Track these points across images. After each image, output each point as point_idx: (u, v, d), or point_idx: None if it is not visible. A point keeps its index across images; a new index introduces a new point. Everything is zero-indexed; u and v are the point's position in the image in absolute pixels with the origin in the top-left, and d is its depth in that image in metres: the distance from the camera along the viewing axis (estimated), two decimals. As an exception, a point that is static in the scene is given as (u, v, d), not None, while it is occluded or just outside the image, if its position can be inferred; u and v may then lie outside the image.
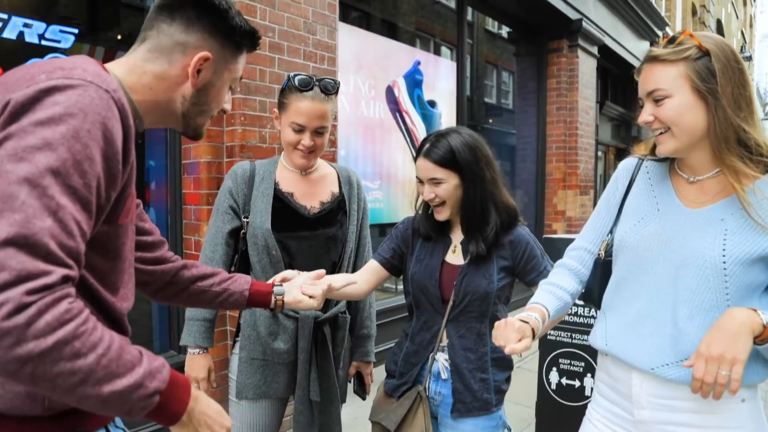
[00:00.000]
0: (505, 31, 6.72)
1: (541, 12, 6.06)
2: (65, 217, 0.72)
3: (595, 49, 6.93)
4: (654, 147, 1.31)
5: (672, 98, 1.19)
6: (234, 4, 1.03)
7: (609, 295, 1.39)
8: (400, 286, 4.79)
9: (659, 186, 1.34)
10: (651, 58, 1.23)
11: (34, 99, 0.75)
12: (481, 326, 1.61)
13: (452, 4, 5.47)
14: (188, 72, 0.99)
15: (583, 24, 6.39)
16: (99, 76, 0.81)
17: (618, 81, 9.33)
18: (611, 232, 1.41)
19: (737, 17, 25.98)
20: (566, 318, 2.71)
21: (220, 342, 2.88)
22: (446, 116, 5.27)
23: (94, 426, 0.92)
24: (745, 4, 29.96)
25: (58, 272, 0.70)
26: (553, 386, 2.75)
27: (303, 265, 1.71)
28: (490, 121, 6.73)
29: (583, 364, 2.67)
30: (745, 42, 28.80)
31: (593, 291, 1.46)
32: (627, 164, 1.45)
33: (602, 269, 1.42)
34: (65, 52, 2.54)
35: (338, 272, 1.80)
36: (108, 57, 2.78)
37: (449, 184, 1.58)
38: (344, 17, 4.03)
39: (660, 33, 9.14)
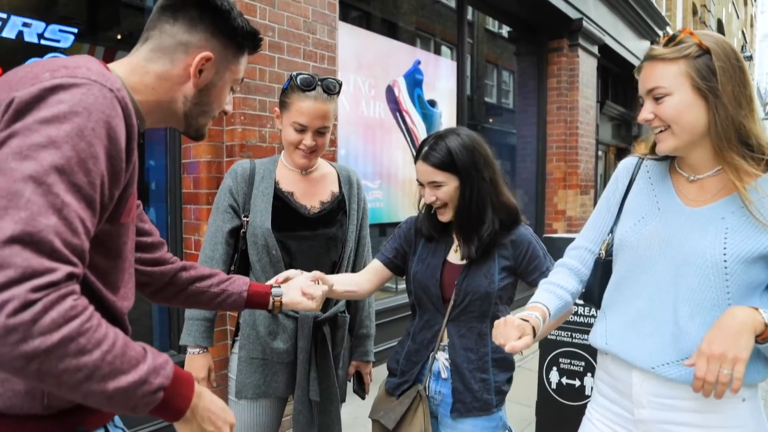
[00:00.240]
0: (505, 30, 6.71)
1: (541, 11, 6.06)
2: (70, 214, 0.72)
3: (595, 49, 6.93)
4: (654, 146, 1.31)
5: (672, 96, 1.19)
6: (236, 6, 1.04)
7: (609, 294, 1.39)
8: (401, 286, 4.79)
9: (659, 185, 1.33)
10: (651, 57, 1.23)
11: (39, 97, 0.75)
12: (482, 326, 1.61)
13: (452, 4, 5.46)
14: (190, 72, 0.99)
15: (584, 23, 6.38)
16: (103, 75, 0.82)
17: (618, 80, 9.33)
18: (611, 231, 1.41)
19: (738, 17, 25.97)
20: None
21: (220, 341, 2.88)
22: (446, 116, 5.26)
23: (94, 425, 0.92)
24: (745, 3, 29.95)
25: (63, 269, 0.70)
26: (554, 386, 2.75)
27: (303, 265, 1.71)
28: (491, 120, 6.73)
29: (583, 363, 2.66)
30: (746, 42, 28.78)
31: (593, 290, 1.46)
32: (627, 163, 1.45)
33: (603, 269, 1.42)
34: (65, 51, 2.54)
35: (338, 272, 1.79)
36: (108, 57, 2.78)
37: (449, 186, 1.58)
38: (344, 16, 4.03)
39: (660, 32, 9.13)
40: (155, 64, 0.98)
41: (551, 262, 1.63)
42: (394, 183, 4.72)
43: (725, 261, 1.15)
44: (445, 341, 1.64)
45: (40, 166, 0.71)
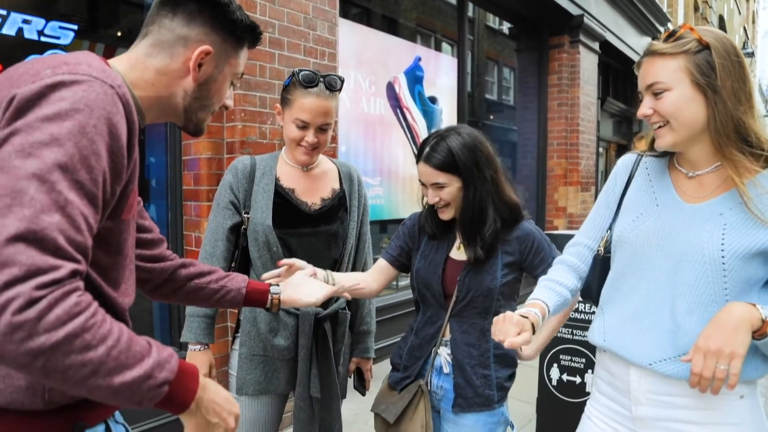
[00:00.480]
0: (506, 27, 6.70)
1: (542, 7, 6.05)
2: (73, 212, 0.73)
3: (596, 45, 6.91)
4: (653, 142, 1.31)
5: (671, 91, 1.19)
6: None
7: (607, 290, 1.39)
8: (401, 283, 4.79)
9: (658, 181, 1.33)
10: (651, 52, 1.23)
11: (40, 94, 0.75)
12: (484, 322, 1.61)
13: (453, 0, 5.45)
14: (189, 66, 0.99)
15: (585, 20, 6.36)
16: (104, 71, 0.82)
17: (619, 77, 9.31)
18: (610, 228, 1.41)
19: (740, 13, 25.89)
20: (567, 314, 2.71)
21: (221, 338, 2.89)
22: (447, 112, 5.26)
23: (94, 420, 0.92)
24: (747, 0, 29.86)
25: (67, 267, 0.71)
26: (554, 382, 2.75)
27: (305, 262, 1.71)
28: (491, 117, 6.72)
29: (584, 360, 2.67)
30: (748, 38, 28.71)
31: (592, 287, 1.46)
32: (626, 160, 1.45)
33: (601, 265, 1.42)
34: (65, 48, 2.53)
35: (339, 269, 1.79)
36: (108, 54, 2.77)
37: (452, 187, 1.58)
38: (344, 13, 4.02)
39: (662, 29, 9.10)
40: (154, 59, 0.98)
41: (557, 253, 1.62)
42: (395, 180, 4.72)
43: (723, 257, 1.15)
44: (448, 336, 1.65)
45: (44, 163, 0.72)
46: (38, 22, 2.46)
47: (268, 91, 2.99)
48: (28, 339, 0.67)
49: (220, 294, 1.32)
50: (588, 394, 2.63)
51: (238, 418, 0.97)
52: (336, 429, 1.81)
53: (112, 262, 0.92)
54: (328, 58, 3.34)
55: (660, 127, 1.23)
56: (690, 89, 1.17)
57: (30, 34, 2.44)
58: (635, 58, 8.18)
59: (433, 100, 5.08)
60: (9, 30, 2.37)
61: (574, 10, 6.24)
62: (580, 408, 1.48)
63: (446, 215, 1.63)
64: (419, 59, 4.88)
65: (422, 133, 4.94)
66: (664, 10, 9.76)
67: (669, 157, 1.35)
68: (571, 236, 1.57)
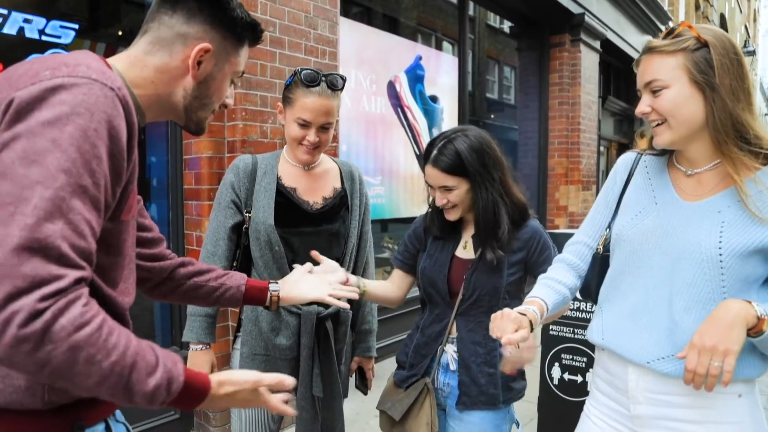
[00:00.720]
0: (506, 25, 6.69)
1: (543, 6, 6.04)
2: (76, 218, 0.73)
3: (597, 44, 6.90)
4: (653, 140, 1.31)
5: (669, 89, 1.18)
6: None
7: (605, 288, 1.39)
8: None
9: (657, 179, 1.33)
10: (649, 49, 1.23)
11: (40, 98, 0.75)
12: (489, 321, 1.61)
13: (454, -1, 5.45)
14: (188, 64, 0.99)
15: (586, 18, 6.35)
16: (103, 73, 0.82)
17: (620, 76, 9.30)
18: (609, 226, 1.41)
19: (741, 11, 25.85)
20: (568, 313, 2.71)
21: (222, 337, 2.89)
22: (448, 111, 5.25)
23: (94, 419, 0.92)
24: (748, -2, 29.80)
25: (71, 275, 0.71)
26: (555, 381, 2.75)
27: (305, 261, 1.71)
28: (492, 116, 6.71)
29: (585, 359, 2.66)
30: (749, 36, 28.67)
31: (591, 286, 1.46)
32: (626, 158, 1.45)
33: (600, 264, 1.42)
34: (65, 47, 2.53)
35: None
36: (109, 53, 2.77)
37: (460, 189, 1.58)
38: (345, 12, 4.02)
39: (663, 27, 9.10)
40: (154, 56, 0.98)
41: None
42: (396, 179, 4.72)
43: (720, 255, 1.15)
44: (454, 334, 1.66)
45: (47, 170, 0.72)
46: (39, 22, 2.46)
47: (269, 90, 2.99)
48: (34, 350, 0.68)
49: (219, 292, 1.32)
50: (589, 393, 2.63)
51: (266, 380, 0.99)
52: (338, 428, 1.81)
53: (112, 263, 0.92)
54: (329, 57, 3.34)
55: (658, 125, 1.23)
56: (688, 87, 1.17)
57: (31, 33, 2.44)
58: (636, 56, 8.17)
59: (434, 99, 5.07)
60: (10, 29, 2.37)
61: (575, 9, 6.23)
62: (582, 407, 1.48)
63: (453, 216, 1.63)
64: (420, 58, 4.88)
65: (423, 132, 4.94)
66: (665, 8, 9.74)
67: (668, 155, 1.35)
68: (571, 235, 1.57)
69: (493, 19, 6.53)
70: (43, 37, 2.48)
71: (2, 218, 0.69)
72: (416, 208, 4.82)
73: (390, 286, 1.80)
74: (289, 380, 1.01)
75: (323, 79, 1.64)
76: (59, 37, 2.53)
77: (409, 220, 4.79)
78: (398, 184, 4.74)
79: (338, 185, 1.83)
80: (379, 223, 4.72)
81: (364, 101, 4.35)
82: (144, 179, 3.10)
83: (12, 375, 0.81)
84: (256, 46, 1.13)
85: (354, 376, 1.98)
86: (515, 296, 1.66)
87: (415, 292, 1.78)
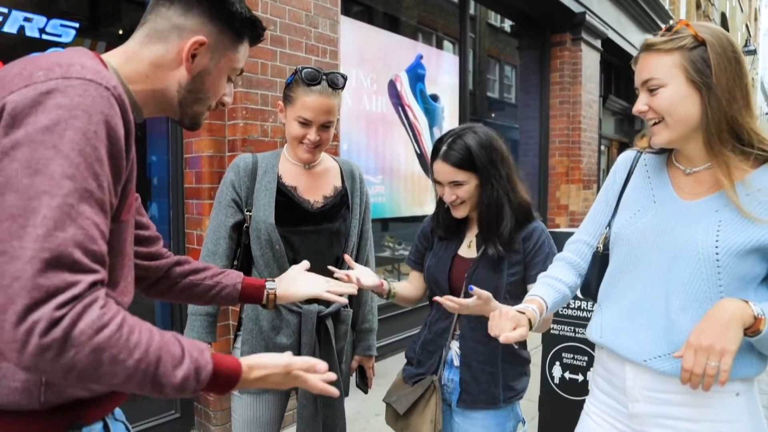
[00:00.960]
0: (507, 24, 6.69)
1: (544, 5, 6.03)
2: (85, 222, 0.74)
3: (598, 43, 6.89)
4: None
5: (666, 88, 1.18)
6: None
7: (605, 287, 1.39)
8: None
9: (656, 178, 1.33)
10: (647, 47, 1.22)
11: (36, 102, 0.75)
12: None
13: (455, -2, 5.44)
14: (183, 56, 0.97)
15: (587, 17, 6.35)
16: (98, 72, 0.81)
17: (621, 75, 9.29)
18: (609, 225, 1.41)
19: (742, 10, 25.82)
20: (569, 312, 2.71)
21: (222, 337, 2.89)
22: (448, 110, 5.25)
23: (91, 418, 0.92)
24: (749, -3, 29.74)
25: (86, 280, 0.72)
26: (556, 380, 2.75)
27: (306, 260, 1.71)
28: (493, 115, 6.71)
29: (586, 358, 2.66)
30: (750, 35, 28.63)
31: (591, 284, 1.46)
32: (625, 157, 1.45)
33: (600, 262, 1.42)
34: (66, 46, 2.53)
35: (341, 267, 1.79)
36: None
37: (470, 185, 1.60)
38: (346, 11, 4.01)
39: (664, 26, 9.08)
40: (149, 49, 0.97)
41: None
42: (397, 178, 4.71)
43: (717, 254, 1.15)
44: (458, 331, 1.69)
45: (51, 179, 0.72)
46: (39, 20, 2.46)
47: (269, 89, 2.99)
48: (58, 356, 0.70)
49: (215, 290, 1.32)
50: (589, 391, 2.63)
51: (297, 364, 0.99)
52: (339, 427, 1.81)
53: (113, 264, 0.92)
54: (329, 55, 3.33)
55: (655, 123, 1.23)
56: (685, 86, 1.17)
57: (31, 32, 2.44)
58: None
59: (434, 98, 5.07)
60: (10, 28, 2.37)
61: (576, 8, 6.22)
62: (582, 406, 1.48)
63: (461, 213, 1.64)
64: (421, 57, 4.88)
65: (424, 131, 4.93)
66: (666, 7, 9.73)
67: (668, 153, 1.35)
68: (572, 234, 1.57)
69: (494, 18, 6.52)
70: (44, 36, 2.48)
71: (13, 231, 0.70)
72: (417, 207, 4.82)
73: (410, 286, 1.84)
74: (321, 365, 1.01)
75: (324, 77, 1.64)
76: (60, 35, 2.53)
77: (409, 219, 4.78)
78: (399, 183, 4.73)
79: (339, 184, 1.83)
80: (379, 222, 4.72)
81: (364, 100, 4.35)
82: (145, 178, 3.10)
83: (7, 377, 0.81)
84: (257, 45, 1.12)
85: (354, 374, 1.98)
86: (516, 296, 1.66)
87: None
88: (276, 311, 1.72)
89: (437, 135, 5.01)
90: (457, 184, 1.59)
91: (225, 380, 0.87)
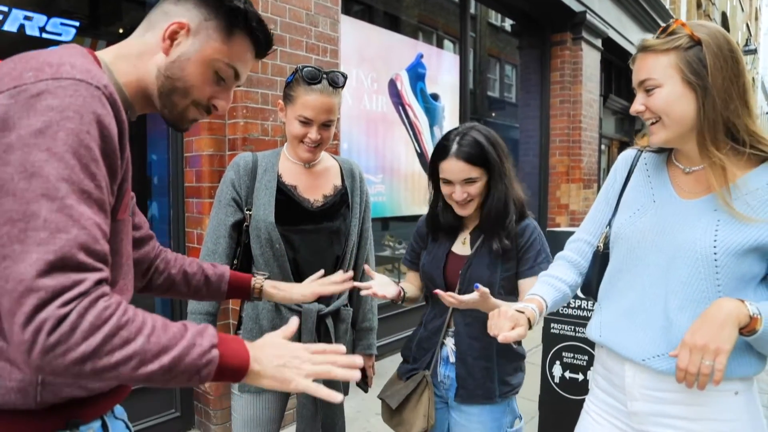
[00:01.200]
0: (508, 23, 6.68)
1: (544, 4, 6.03)
2: (86, 223, 0.74)
3: (599, 42, 6.89)
4: None
5: (662, 88, 1.19)
6: None
7: (604, 286, 1.39)
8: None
9: (656, 177, 1.33)
10: (643, 48, 1.23)
11: (27, 105, 0.74)
12: (485, 316, 1.62)
13: (455, -3, 5.44)
14: (161, 38, 0.95)
15: (587, 16, 6.34)
16: (88, 71, 0.80)
17: (622, 74, 9.28)
18: (610, 224, 1.41)
19: (742, 10, 25.80)
20: (570, 311, 2.70)
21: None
22: (449, 110, 5.25)
23: (90, 417, 0.92)
24: (750, -4, 29.72)
25: (91, 278, 0.73)
26: (557, 379, 2.74)
27: (307, 259, 1.71)
28: (493, 114, 6.71)
29: (586, 357, 2.66)
30: (750, 35, 28.60)
31: (592, 283, 1.47)
32: (626, 156, 1.45)
33: (601, 261, 1.43)
34: (66, 45, 2.53)
35: (341, 266, 1.79)
36: (109, 50, 2.77)
37: (481, 181, 1.60)
38: (347, 10, 4.01)
39: (664, 25, 9.07)
40: (140, 40, 0.97)
41: (547, 261, 1.65)
42: (397, 177, 4.71)
43: (715, 253, 1.15)
44: (453, 328, 1.70)
45: (48, 182, 0.72)
46: (40, 19, 2.46)
47: (270, 88, 2.98)
48: (70, 350, 0.70)
49: (201, 284, 1.32)
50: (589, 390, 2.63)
51: (306, 351, 0.98)
52: (339, 426, 1.81)
53: (111, 263, 0.91)
54: (330, 55, 3.33)
55: (653, 123, 1.23)
56: (680, 86, 1.17)
57: (31, 30, 2.44)
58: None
59: (435, 97, 5.07)
60: (10, 26, 2.37)
61: (576, 7, 6.22)
62: (583, 405, 1.48)
63: (468, 210, 1.64)
64: (421, 56, 4.87)
65: (424, 130, 4.93)
66: (667, 6, 9.73)
67: (668, 152, 1.35)
68: (572, 233, 1.57)
69: (495, 17, 6.52)
70: (44, 35, 2.47)
71: (14, 235, 0.70)
72: (417, 206, 4.82)
73: (412, 286, 1.85)
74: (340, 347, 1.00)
75: (324, 76, 1.64)
76: (60, 34, 2.52)
77: (409, 218, 4.78)
78: (399, 182, 4.73)
79: (339, 183, 1.83)
80: (380, 221, 4.72)
81: (365, 99, 4.34)
82: (145, 177, 3.10)
83: (3, 376, 0.81)
84: (265, 52, 1.06)
85: (355, 373, 1.98)
86: (509, 291, 1.68)
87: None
88: (276, 310, 1.72)
89: (438, 134, 5.01)
90: (469, 181, 1.58)
91: (232, 341, 0.88)
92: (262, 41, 1.03)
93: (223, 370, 0.84)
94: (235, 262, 1.75)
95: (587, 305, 2.67)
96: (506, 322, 1.25)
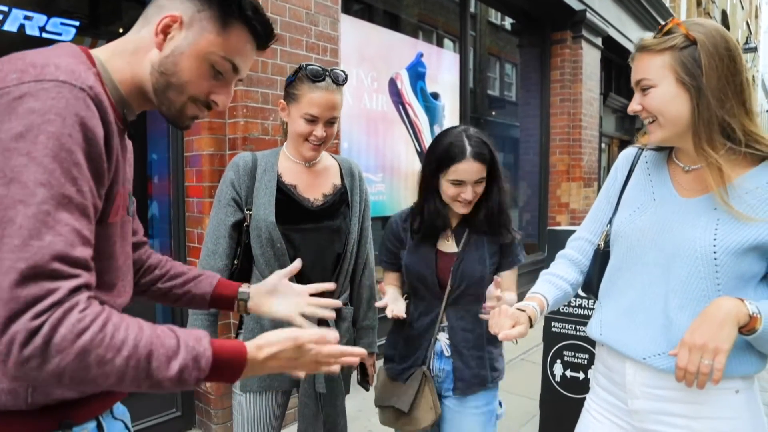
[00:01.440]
0: (508, 22, 6.68)
1: (544, 3, 6.02)
2: (63, 229, 0.72)
3: (599, 41, 6.88)
4: None
5: (657, 88, 1.19)
6: None
7: (605, 285, 1.40)
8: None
9: (656, 175, 1.34)
10: (640, 48, 1.24)
11: (9, 108, 0.73)
12: (477, 308, 1.72)
13: (455, -4, 5.43)
14: (154, 32, 0.93)
15: (587, 15, 6.34)
16: (72, 72, 0.78)
17: (622, 72, 9.28)
18: (610, 222, 1.41)
19: (743, 8, 25.78)
20: (570, 310, 2.71)
21: (223, 335, 2.89)
22: (449, 109, 5.25)
23: (83, 418, 0.90)
24: (750, -6, 29.69)
25: (65, 286, 0.71)
26: (558, 378, 2.75)
27: (308, 258, 1.71)
28: (494, 113, 6.70)
29: (587, 356, 2.66)
30: (751, 33, 28.58)
31: (593, 281, 1.47)
32: (627, 154, 1.46)
33: (601, 260, 1.43)
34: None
35: (342, 264, 1.79)
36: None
37: (485, 180, 1.67)
38: (346, 9, 4.01)
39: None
40: (137, 34, 0.95)
41: (522, 253, 1.76)
42: (397, 176, 4.71)
43: (715, 252, 1.15)
44: (445, 323, 1.76)
45: (26, 187, 0.70)
46: (40, 19, 2.46)
47: (270, 87, 2.98)
48: (44, 363, 0.69)
49: (186, 298, 1.27)
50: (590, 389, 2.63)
51: (305, 336, 0.94)
52: (340, 425, 1.81)
53: (105, 266, 0.90)
54: (330, 54, 3.33)
55: (650, 122, 1.24)
56: (674, 86, 1.17)
57: (31, 30, 2.44)
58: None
59: (435, 96, 5.06)
60: (11, 26, 2.37)
61: (576, 6, 6.21)
62: (583, 404, 1.48)
63: (469, 209, 1.69)
64: (421, 55, 4.87)
65: (424, 129, 4.93)
66: (667, 4, 9.72)
67: (668, 150, 1.35)
68: (573, 232, 1.58)
69: (495, 16, 6.51)
70: (44, 34, 2.47)
71: None
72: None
73: (398, 290, 1.88)
74: (332, 334, 0.96)
75: (328, 74, 1.65)
76: (60, 34, 2.52)
77: (410, 218, 4.77)
78: (399, 181, 4.73)
79: (338, 182, 1.83)
80: (380, 220, 4.71)
81: (365, 98, 4.34)
82: (145, 176, 3.10)
83: None
84: (266, 45, 1.04)
85: (356, 372, 1.99)
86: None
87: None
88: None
89: (438, 133, 5.00)
90: (480, 180, 1.65)
91: (231, 364, 0.84)
92: (260, 31, 0.98)
93: (215, 378, 0.83)
94: (235, 262, 1.75)
95: (588, 304, 2.67)
96: (507, 320, 1.26)
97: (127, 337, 0.75)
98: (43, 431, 0.85)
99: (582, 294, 2.46)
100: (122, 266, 0.96)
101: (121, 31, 2.92)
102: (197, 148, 2.95)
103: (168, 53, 0.92)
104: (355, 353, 0.98)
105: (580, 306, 2.69)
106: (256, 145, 2.89)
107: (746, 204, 1.15)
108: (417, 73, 4.83)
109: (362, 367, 1.98)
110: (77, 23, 2.59)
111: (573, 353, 2.71)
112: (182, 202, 3.05)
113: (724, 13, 19.42)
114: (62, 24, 2.53)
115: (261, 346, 0.90)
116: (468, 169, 1.62)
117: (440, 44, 5.41)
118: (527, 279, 1.77)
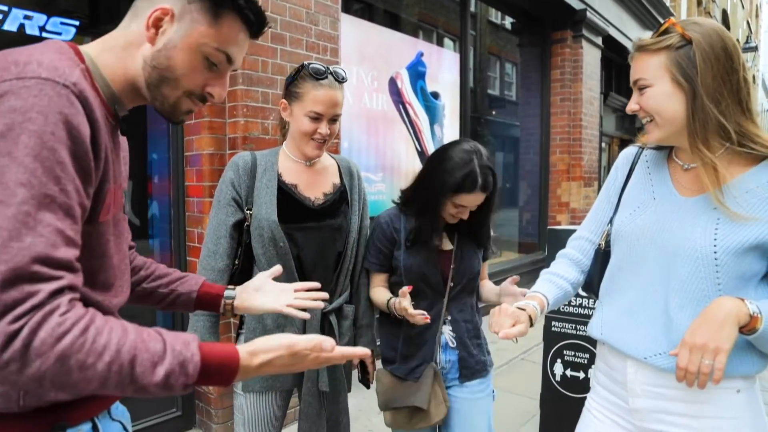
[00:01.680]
0: (508, 21, 6.68)
1: (544, 2, 6.02)
2: (45, 230, 0.71)
3: (599, 40, 6.88)
4: None
5: (653, 88, 1.20)
6: None
7: (605, 284, 1.40)
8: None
9: (657, 174, 1.34)
10: (638, 48, 1.24)
11: None
12: (472, 299, 1.90)
13: (455, -5, 5.43)
14: (146, 26, 0.91)
15: (588, 14, 6.34)
16: (55, 69, 0.76)
17: (622, 72, 9.27)
18: (611, 221, 1.41)
19: (743, 7, 25.77)
20: (571, 309, 2.71)
21: (224, 335, 2.89)
22: (449, 108, 5.24)
23: (77, 419, 0.89)
24: (750, -7, 29.67)
25: (46, 289, 0.69)
26: (558, 378, 2.75)
27: (310, 256, 1.72)
28: (494, 112, 6.70)
29: (587, 355, 2.66)
30: (751, 32, 28.56)
31: (593, 281, 1.47)
32: (627, 153, 1.46)
33: (602, 259, 1.43)
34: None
35: (343, 262, 1.79)
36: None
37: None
38: (346, 8, 4.01)
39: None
40: (127, 29, 0.93)
41: (494, 247, 1.96)
42: (397, 175, 4.71)
43: (715, 252, 1.15)
44: (447, 317, 1.84)
45: (6, 187, 0.69)
46: (39, 18, 2.46)
47: (270, 87, 2.98)
48: (24, 367, 0.67)
49: (170, 297, 1.26)
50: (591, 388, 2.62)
51: (301, 344, 0.91)
52: (343, 423, 1.82)
53: (98, 266, 0.89)
54: (330, 53, 3.33)
55: (648, 122, 1.24)
56: (670, 86, 1.18)
57: (31, 29, 2.44)
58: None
59: (435, 95, 5.06)
60: (10, 26, 2.37)
61: (576, 5, 6.21)
62: (584, 403, 1.48)
63: (465, 215, 1.78)
64: (421, 55, 4.87)
65: (425, 128, 4.93)
66: (667, 4, 9.72)
67: (668, 149, 1.35)
68: (573, 231, 1.58)
69: (495, 16, 6.51)
70: (44, 34, 2.47)
71: None
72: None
73: (385, 290, 1.89)
74: (328, 342, 0.94)
75: (330, 71, 1.66)
76: (60, 33, 2.52)
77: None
78: (399, 180, 4.73)
79: (337, 181, 1.83)
80: (380, 220, 4.71)
81: (365, 98, 4.34)
82: (145, 176, 3.10)
83: None
84: (257, 42, 1.06)
85: (356, 371, 1.99)
86: (484, 277, 1.98)
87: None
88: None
89: (438, 132, 5.00)
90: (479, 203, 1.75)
91: (220, 370, 0.82)
92: (252, 20, 0.96)
93: (205, 382, 0.81)
94: (236, 262, 1.74)
95: (588, 303, 2.67)
96: (507, 319, 1.26)
97: (109, 341, 0.73)
98: None
99: (582, 293, 2.46)
100: (119, 265, 0.95)
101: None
102: (197, 148, 2.95)
103: (160, 47, 0.90)
104: (358, 354, 0.97)
105: (580, 305, 2.69)
106: (257, 145, 2.89)
107: (747, 203, 1.15)
108: (417, 72, 4.83)
109: (362, 366, 1.98)
110: (77, 23, 2.59)
111: (573, 353, 2.71)
112: (182, 201, 3.05)
113: (724, 13, 19.40)
114: (62, 23, 2.53)
115: (255, 352, 0.87)
116: (475, 199, 1.71)
117: (440, 43, 5.41)
118: (527, 279, 1.77)
